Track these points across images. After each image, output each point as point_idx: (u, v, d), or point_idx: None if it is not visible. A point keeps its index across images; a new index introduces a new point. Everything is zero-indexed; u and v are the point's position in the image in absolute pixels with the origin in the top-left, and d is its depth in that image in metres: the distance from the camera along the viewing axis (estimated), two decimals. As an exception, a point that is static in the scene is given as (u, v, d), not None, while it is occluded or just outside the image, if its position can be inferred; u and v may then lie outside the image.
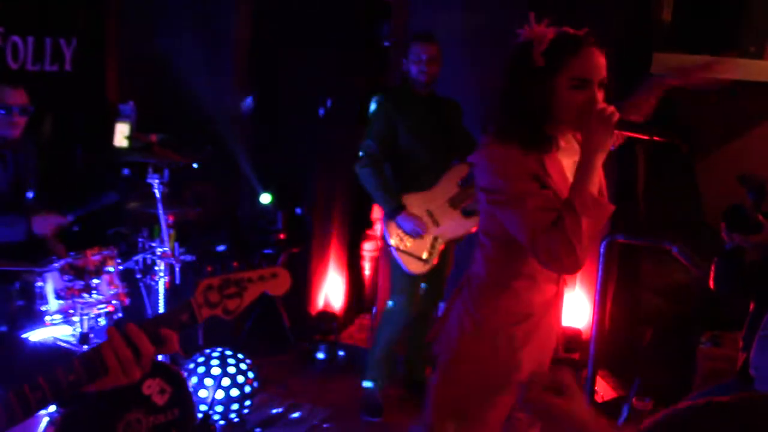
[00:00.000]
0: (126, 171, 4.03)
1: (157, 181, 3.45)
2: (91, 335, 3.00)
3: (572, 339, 4.46)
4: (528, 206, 2.00)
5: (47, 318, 3.09)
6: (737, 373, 2.77)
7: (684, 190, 4.40)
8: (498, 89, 2.14)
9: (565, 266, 1.97)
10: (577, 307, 4.49)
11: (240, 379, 3.55)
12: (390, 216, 3.70)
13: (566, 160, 2.16)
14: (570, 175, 2.09)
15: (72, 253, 3.15)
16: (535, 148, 2.05)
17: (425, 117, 3.79)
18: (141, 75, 4.96)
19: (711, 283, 2.85)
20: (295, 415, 3.95)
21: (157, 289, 3.58)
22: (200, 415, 3.29)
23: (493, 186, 2.06)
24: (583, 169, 1.99)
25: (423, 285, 3.93)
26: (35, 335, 3.03)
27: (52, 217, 3.48)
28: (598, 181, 2.00)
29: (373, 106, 3.82)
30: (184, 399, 3.05)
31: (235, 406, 3.53)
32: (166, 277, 3.59)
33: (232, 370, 3.55)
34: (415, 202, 3.73)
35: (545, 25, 2.05)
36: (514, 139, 2.04)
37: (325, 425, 3.85)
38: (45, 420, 2.67)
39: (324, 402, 3.98)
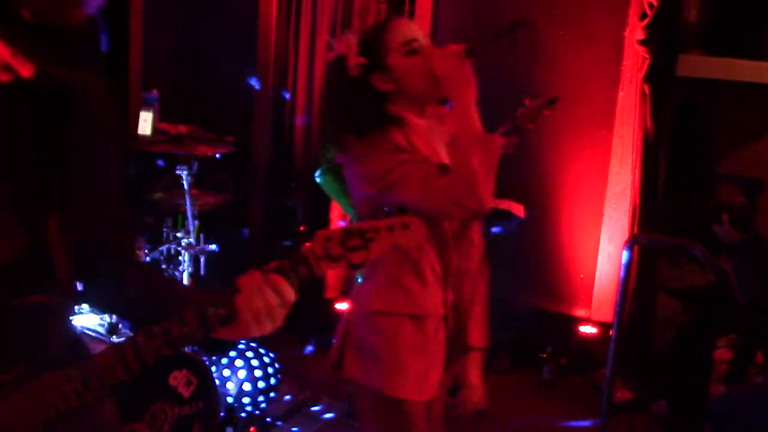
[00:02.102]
0: (160, 162, 4.01)
1: (185, 172, 3.45)
2: (119, 326, 3.01)
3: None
4: (412, 172, 1.95)
5: (75, 308, 3.09)
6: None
7: (704, 193, 4.41)
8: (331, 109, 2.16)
9: (469, 208, 1.94)
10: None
11: (270, 370, 3.56)
12: None
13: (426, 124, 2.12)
14: (435, 137, 2.09)
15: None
16: (392, 126, 2.02)
17: None
18: (165, 64, 4.97)
19: (738, 295, 2.86)
20: (314, 408, 3.96)
21: (182, 280, 3.59)
22: (226, 408, 3.31)
23: (375, 174, 2.00)
24: (459, 108, 1.98)
25: None
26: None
27: None
28: (478, 118, 1.98)
29: None
30: (210, 391, 3.05)
31: (260, 398, 3.55)
32: (191, 268, 3.60)
33: (266, 360, 3.56)
34: None
35: (347, 35, 2.09)
36: (369, 132, 2.01)
37: (342, 419, 3.87)
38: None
39: (342, 395, 3.98)
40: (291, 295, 1.31)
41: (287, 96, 5.22)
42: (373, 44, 2.04)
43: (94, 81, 1.40)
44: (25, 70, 1.26)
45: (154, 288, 1.50)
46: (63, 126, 1.32)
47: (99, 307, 1.59)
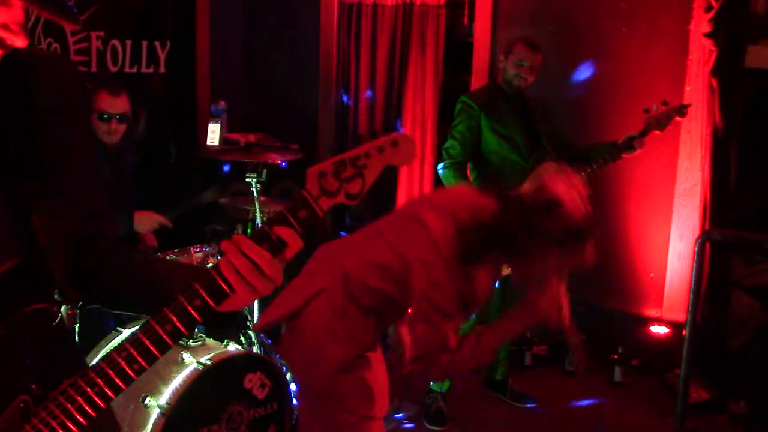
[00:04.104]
0: (226, 167, 4.09)
1: (254, 179, 3.53)
2: (196, 329, 3.09)
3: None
4: None
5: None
6: None
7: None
8: None
9: None
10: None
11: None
12: None
13: None
14: None
15: (176, 250, 3.25)
16: None
17: (511, 117, 3.72)
18: (231, 76, 5.08)
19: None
20: (385, 410, 3.98)
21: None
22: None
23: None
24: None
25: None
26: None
27: (152, 216, 3.57)
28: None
29: (458, 107, 3.74)
30: (283, 394, 3.13)
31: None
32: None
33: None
34: None
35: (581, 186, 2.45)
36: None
37: (416, 419, 3.89)
38: (156, 411, 2.78)
39: (415, 396, 3.98)
40: (299, 243, 1.23)
41: (349, 102, 5.29)
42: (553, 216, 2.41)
43: (49, 57, 1.32)
44: (21, 41, 1.16)
45: (147, 269, 1.40)
46: (21, 109, 1.22)
47: (111, 305, 1.46)
